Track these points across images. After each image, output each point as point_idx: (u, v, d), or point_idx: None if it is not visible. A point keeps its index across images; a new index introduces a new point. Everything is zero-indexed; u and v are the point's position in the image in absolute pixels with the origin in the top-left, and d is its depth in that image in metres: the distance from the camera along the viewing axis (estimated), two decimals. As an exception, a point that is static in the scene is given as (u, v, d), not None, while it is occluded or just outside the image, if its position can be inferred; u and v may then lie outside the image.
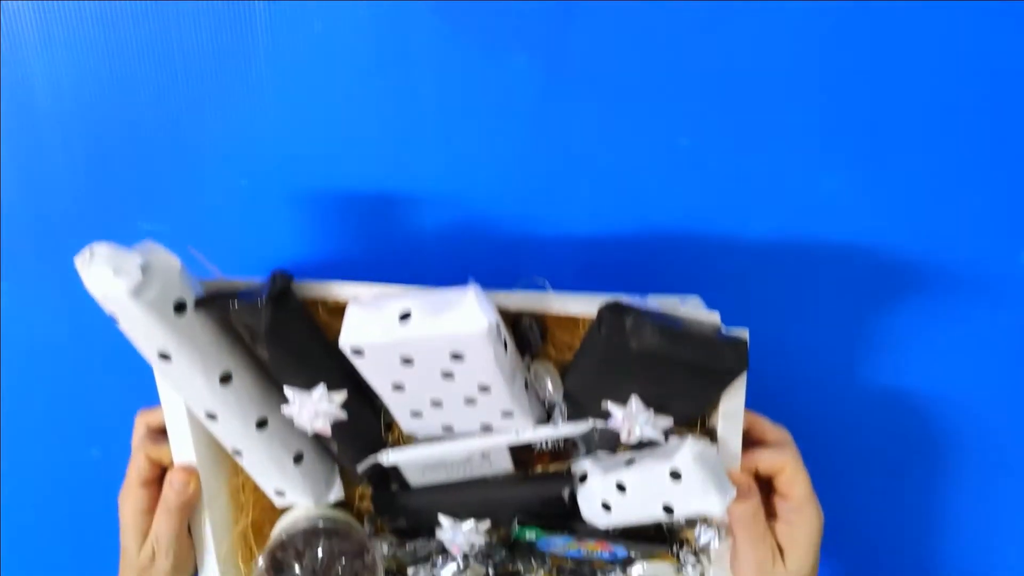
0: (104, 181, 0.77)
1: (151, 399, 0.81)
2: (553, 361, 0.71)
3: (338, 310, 0.68)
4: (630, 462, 0.69)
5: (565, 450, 0.73)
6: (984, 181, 0.79)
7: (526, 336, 0.68)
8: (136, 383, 0.81)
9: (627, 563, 0.79)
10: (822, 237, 0.80)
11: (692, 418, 0.69)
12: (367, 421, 0.72)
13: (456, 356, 0.60)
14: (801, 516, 0.70)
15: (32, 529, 0.90)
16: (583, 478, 0.73)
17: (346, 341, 0.61)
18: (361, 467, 0.72)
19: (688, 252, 0.80)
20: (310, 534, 0.74)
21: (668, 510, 0.66)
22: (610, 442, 0.71)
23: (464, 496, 0.75)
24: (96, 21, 0.73)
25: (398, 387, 0.65)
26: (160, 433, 0.74)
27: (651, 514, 0.68)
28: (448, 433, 0.71)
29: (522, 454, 0.72)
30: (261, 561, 0.73)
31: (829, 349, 0.84)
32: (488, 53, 0.74)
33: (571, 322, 0.70)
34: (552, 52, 0.74)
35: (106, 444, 0.84)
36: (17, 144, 0.76)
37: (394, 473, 0.74)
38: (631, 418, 0.65)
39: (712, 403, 0.68)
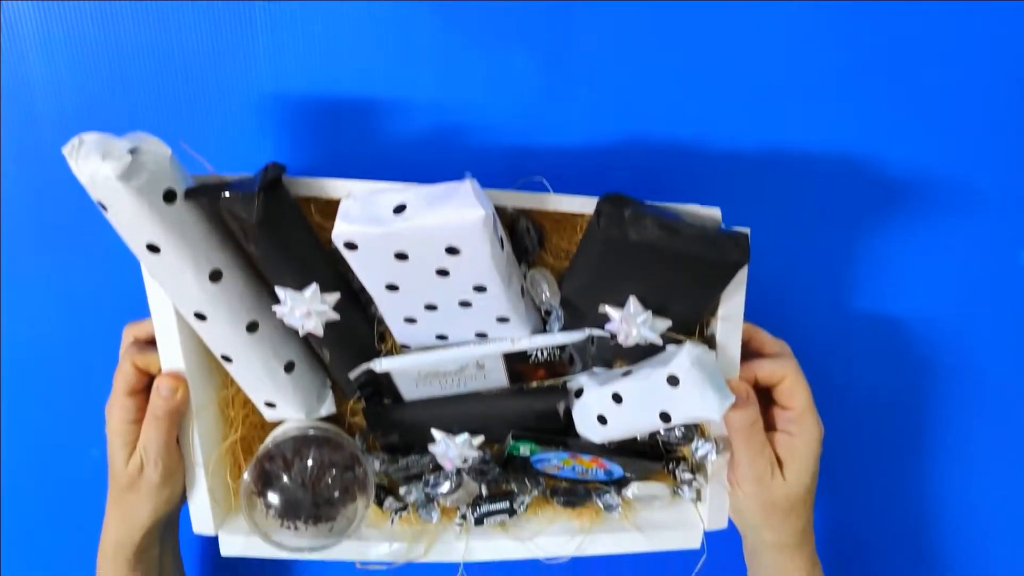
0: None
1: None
2: (550, 269, 0.70)
3: (330, 212, 0.66)
4: (626, 374, 0.68)
5: (560, 364, 0.71)
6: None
7: (523, 241, 0.67)
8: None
9: (622, 483, 0.78)
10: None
11: (691, 321, 0.67)
12: (360, 328, 0.71)
13: (451, 250, 0.59)
14: (801, 427, 0.69)
15: (32, 529, 0.89)
16: (578, 393, 0.72)
17: (339, 234, 0.60)
18: (353, 374, 0.71)
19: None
20: (300, 443, 0.73)
21: (665, 417, 0.65)
22: (606, 356, 0.70)
23: (458, 410, 0.74)
24: (96, 21, 0.72)
25: (392, 287, 0.64)
26: (147, 343, 0.73)
27: (648, 423, 0.67)
28: (442, 342, 0.70)
29: (518, 366, 0.71)
30: (247, 475, 0.72)
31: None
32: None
33: (568, 227, 0.69)
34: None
35: (106, 444, 0.85)
36: (17, 144, 0.76)
37: (387, 387, 0.73)
38: (629, 319, 0.64)
39: (711, 304, 0.67)
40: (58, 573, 0.91)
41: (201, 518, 0.75)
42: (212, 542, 0.80)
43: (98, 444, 0.83)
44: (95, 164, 0.57)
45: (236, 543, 0.76)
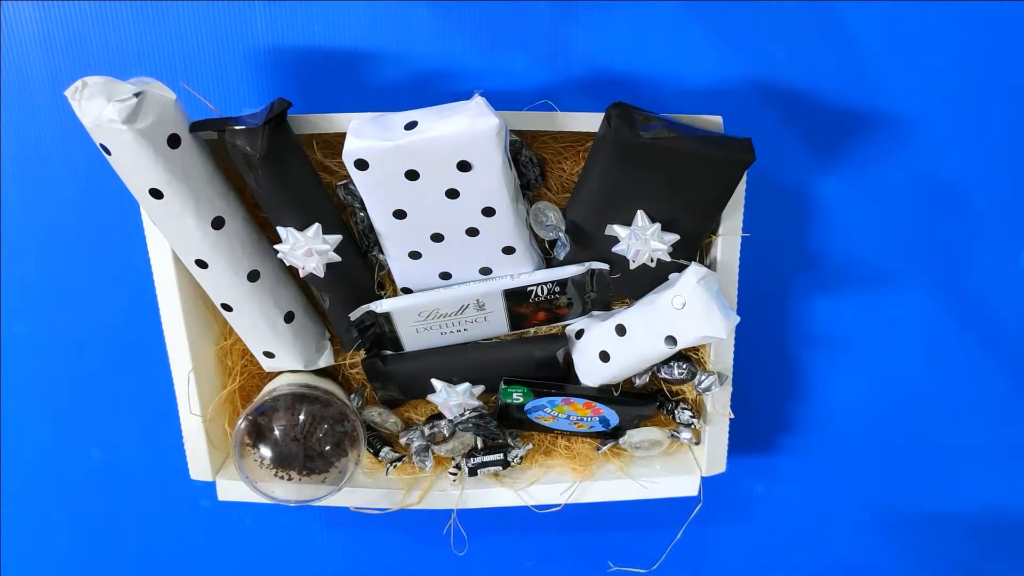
0: (103, 182, 0.77)
1: (151, 399, 0.82)
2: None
3: (334, 152, 0.68)
4: (628, 306, 0.70)
5: (560, 307, 0.72)
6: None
7: (526, 172, 0.69)
8: (136, 383, 0.83)
9: (617, 432, 0.78)
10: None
11: (696, 237, 0.68)
12: (360, 273, 0.72)
13: (463, 165, 0.60)
14: None
15: (32, 529, 0.89)
16: (579, 335, 0.73)
17: (350, 150, 0.61)
18: (354, 314, 0.71)
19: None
20: (292, 400, 0.73)
21: (671, 340, 0.66)
22: (605, 297, 0.72)
23: (457, 360, 0.75)
24: (96, 21, 0.73)
25: (400, 214, 0.65)
26: None
27: (652, 350, 0.68)
28: (444, 282, 0.71)
29: (518, 308, 0.72)
30: (242, 423, 0.72)
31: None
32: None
33: (570, 159, 0.71)
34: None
35: (106, 444, 0.84)
36: (17, 144, 0.77)
37: (388, 338, 0.74)
38: (637, 234, 0.65)
39: (716, 217, 0.68)
40: (58, 573, 0.90)
41: (199, 465, 0.75)
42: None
43: (98, 444, 0.85)
44: (99, 106, 0.57)
45: (234, 489, 0.75)
